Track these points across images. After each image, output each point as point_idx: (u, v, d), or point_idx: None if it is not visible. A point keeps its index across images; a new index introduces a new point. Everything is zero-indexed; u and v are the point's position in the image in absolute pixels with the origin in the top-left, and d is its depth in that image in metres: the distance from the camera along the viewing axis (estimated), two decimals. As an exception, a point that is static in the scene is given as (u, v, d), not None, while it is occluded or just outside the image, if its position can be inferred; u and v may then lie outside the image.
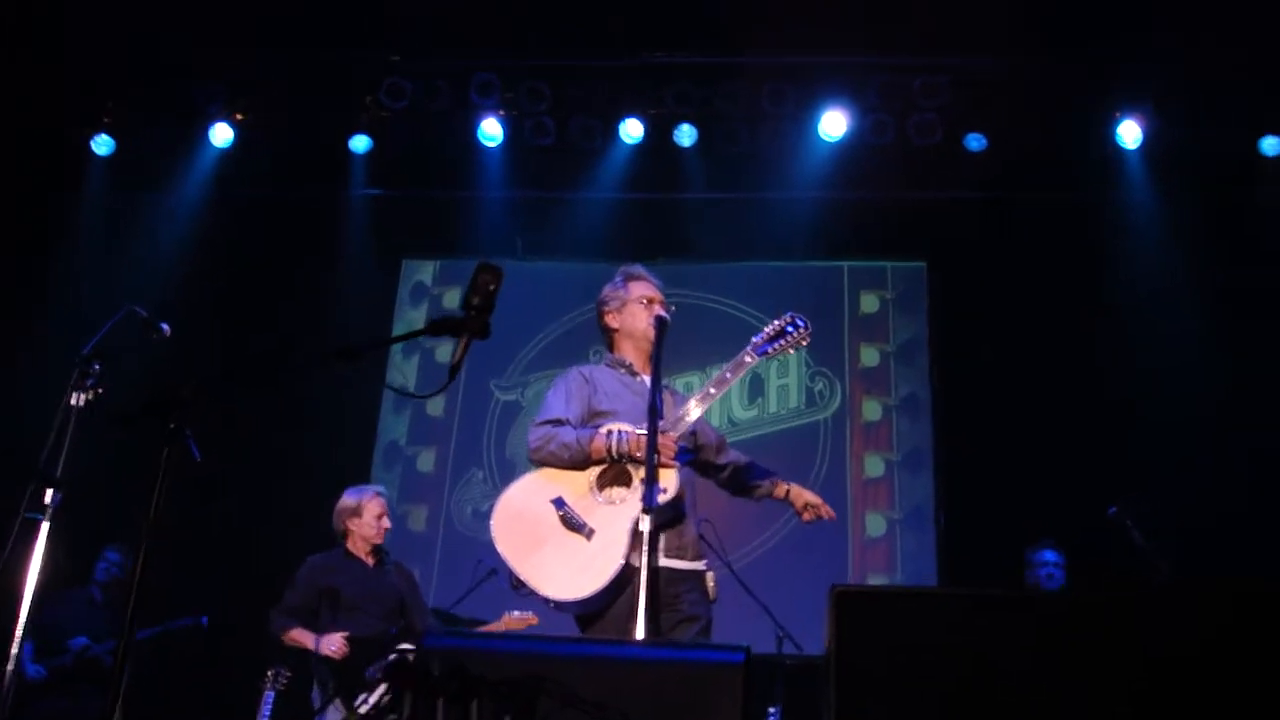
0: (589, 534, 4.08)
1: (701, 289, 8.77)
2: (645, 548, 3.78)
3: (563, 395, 4.44)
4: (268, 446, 8.17)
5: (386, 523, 6.48)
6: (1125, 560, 5.39)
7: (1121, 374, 8.01)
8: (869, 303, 8.91)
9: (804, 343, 4.45)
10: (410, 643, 5.78)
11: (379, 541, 6.45)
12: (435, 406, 8.71)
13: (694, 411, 4.25)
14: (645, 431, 3.99)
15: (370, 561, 6.42)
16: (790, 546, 7.83)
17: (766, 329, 4.48)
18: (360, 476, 8.03)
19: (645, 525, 3.80)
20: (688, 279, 8.58)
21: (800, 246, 8.92)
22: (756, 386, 8.63)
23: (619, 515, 4.10)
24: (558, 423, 4.31)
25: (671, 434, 4.17)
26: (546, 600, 4.09)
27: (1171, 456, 7.60)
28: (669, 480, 4.10)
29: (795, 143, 8.47)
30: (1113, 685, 2.38)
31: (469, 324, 2.87)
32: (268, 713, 6.02)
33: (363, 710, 2.40)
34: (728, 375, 4.32)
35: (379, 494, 6.54)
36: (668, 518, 4.18)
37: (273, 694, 6.09)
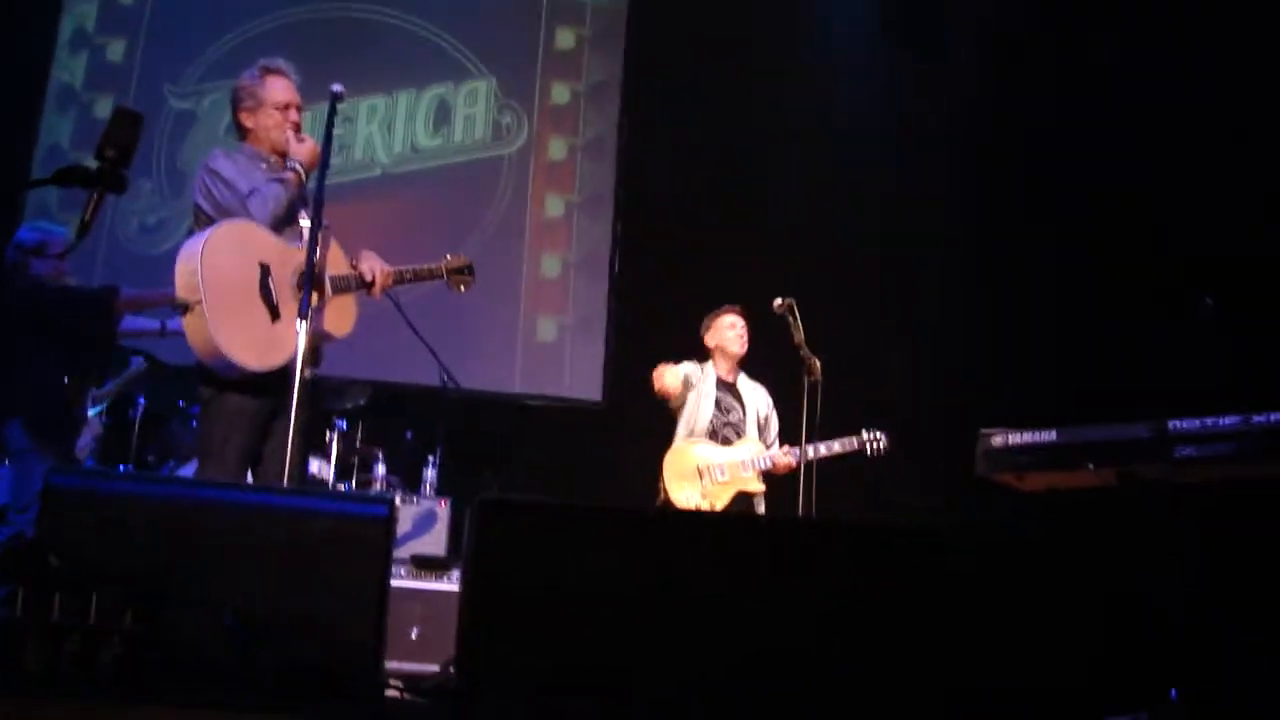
0: (275, 316, 4.10)
1: (390, 5, 8.18)
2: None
3: (233, 171, 4.26)
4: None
5: None
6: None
7: (810, 137, 8.25)
8: (565, 38, 8.74)
9: None
10: None
11: None
12: (104, 110, 8.07)
13: None
14: None
15: None
16: (465, 281, 7.90)
17: None
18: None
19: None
20: (378, -6, 8.19)
21: (499, -28, 8.65)
22: (443, 114, 8.44)
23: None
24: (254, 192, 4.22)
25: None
26: (208, 341, 4.02)
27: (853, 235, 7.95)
28: (348, 316, 4.37)
29: None
30: (725, 607, 2.58)
31: (103, 176, 2.71)
32: None
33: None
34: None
35: None
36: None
37: None
